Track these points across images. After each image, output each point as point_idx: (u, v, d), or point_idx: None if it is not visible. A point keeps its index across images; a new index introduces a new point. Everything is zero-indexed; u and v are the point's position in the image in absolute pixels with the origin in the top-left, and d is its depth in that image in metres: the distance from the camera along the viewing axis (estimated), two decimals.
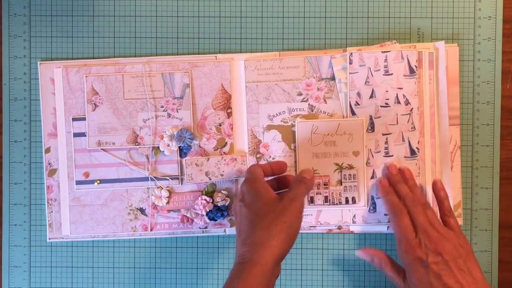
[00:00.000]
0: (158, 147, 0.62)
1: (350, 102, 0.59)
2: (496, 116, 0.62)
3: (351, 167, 0.60)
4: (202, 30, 0.63)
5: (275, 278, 0.50)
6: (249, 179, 0.54)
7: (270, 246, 0.48)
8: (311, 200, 0.60)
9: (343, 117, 0.61)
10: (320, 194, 0.60)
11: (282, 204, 0.51)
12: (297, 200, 0.52)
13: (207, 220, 0.62)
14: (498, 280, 0.62)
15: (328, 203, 0.60)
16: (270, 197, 0.52)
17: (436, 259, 0.52)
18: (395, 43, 0.60)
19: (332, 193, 0.60)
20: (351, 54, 0.59)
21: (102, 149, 0.62)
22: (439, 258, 0.52)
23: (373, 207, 0.61)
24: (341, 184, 0.60)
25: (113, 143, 0.62)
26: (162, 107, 0.62)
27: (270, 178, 0.58)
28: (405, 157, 0.59)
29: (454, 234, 0.54)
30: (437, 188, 0.59)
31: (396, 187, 0.58)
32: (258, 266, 0.47)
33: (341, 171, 0.60)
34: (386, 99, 0.59)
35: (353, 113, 0.59)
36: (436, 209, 0.58)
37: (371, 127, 0.60)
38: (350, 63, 0.59)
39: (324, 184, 0.59)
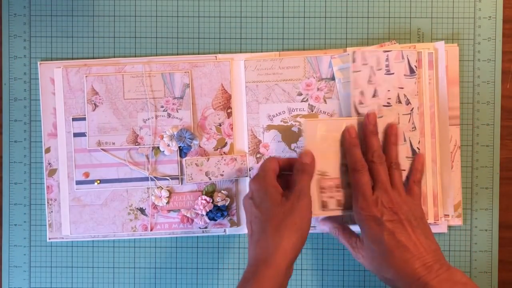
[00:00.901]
0: (158, 147, 0.62)
1: (354, 101, 0.58)
2: (496, 116, 0.62)
3: None
4: (202, 30, 0.63)
5: (288, 279, 0.50)
6: (259, 176, 0.53)
7: (282, 249, 0.49)
8: (324, 205, 0.57)
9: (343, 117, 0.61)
10: (333, 198, 0.57)
11: (290, 203, 0.51)
12: (304, 196, 0.51)
13: (207, 220, 0.62)
14: (498, 280, 0.62)
15: (342, 208, 0.57)
16: (278, 196, 0.52)
17: (391, 217, 0.51)
18: (394, 43, 0.60)
19: (345, 195, 0.57)
20: (354, 52, 0.59)
21: (102, 149, 0.62)
22: (394, 217, 0.52)
23: None
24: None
25: (113, 143, 0.62)
26: (162, 107, 0.62)
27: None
28: (406, 157, 0.59)
29: (413, 200, 0.54)
30: (390, 131, 0.57)
31: (367, 139, 0.56)
32: (271, 268, 0.48)
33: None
34: (388, 99, 0.59)
35: (357, 112, 0.58)
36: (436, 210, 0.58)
37: None
38: (354, 62, 0.59)
39: (336, 187, 0.57)
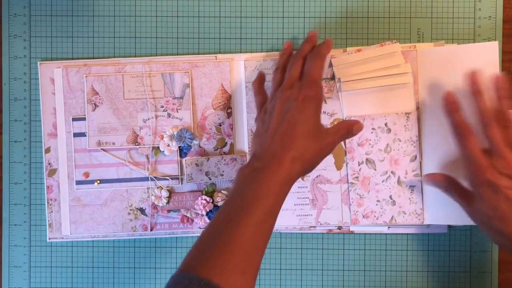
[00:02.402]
0: (158, 147, 0.62)
1: None
2: None
3: None
4: (202, 30, 0.63)
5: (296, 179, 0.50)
6: (319, 96, 0.53)
7: (298, 149, 0.49)
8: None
9: (343, 118, 0.61)
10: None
11: (324, 134, 0.52)
12: (333, 139, 0.53)
13: (207, 220, 0.62)
14: (498, 280, 0.62)
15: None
16: (319, 121, 0.53)
17: (509, 183, 0.49)
18: (395, 42, 0.60)
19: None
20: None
21: (102, 149, 0.62)
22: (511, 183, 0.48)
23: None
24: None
25: (113, 143, 0.62)
26: (162, 107, 0.62)
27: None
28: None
29: None
30: (498, 85, 0.52)
31: (475, 99, 0.52)
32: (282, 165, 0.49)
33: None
34: None
35: None
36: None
37: None
38: None
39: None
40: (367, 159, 0.60)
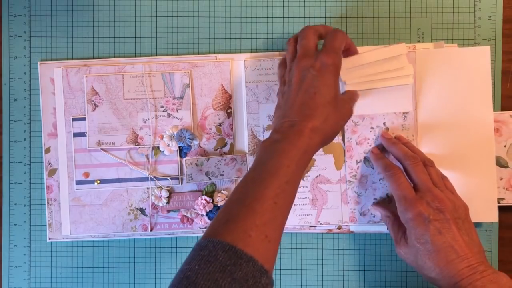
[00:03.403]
0: (158, 147, 0.62)
1: None
2: None
3: None
4: (202, 30, 0.63)
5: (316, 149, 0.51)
6: (337, 64, 0.52)
7: (313, 130, 0.49)
8: None
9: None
10: None
11: (342, 100, 0.53)
12: (349, 109, 0.54)
13: (207, 220, 0.62)
14: None
15: None
16: (338, 91, 0.52)
17: (438, 216, 0.51)
18: (401, 43, 0.60)
19: None
20: None
21: (102, 149, 0.62)
22: (441, 216, 0.51)
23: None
24: None
25: (113, 143, 0.62)
26: (162, 107, 0.62)
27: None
28: None
29: (454, 196, 0.54)
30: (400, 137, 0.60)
31: (392, 149, 0.58)
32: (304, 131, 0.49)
33: None
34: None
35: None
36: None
37: None
38: None
39: None
40: (365, 158, 0.61)
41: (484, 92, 0.59)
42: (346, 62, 0.58)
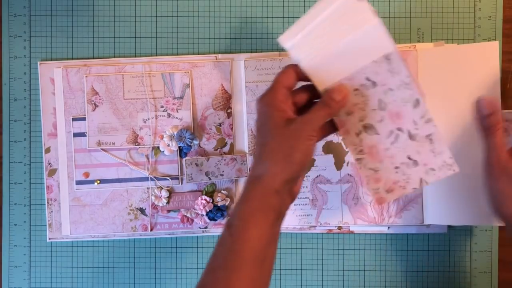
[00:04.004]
0: (158, 147, 0.62)
1: None
2: None
3: None
4: (202, 30, 0.63)
5: (283, 203, 0.47)
6: (266, 94, 0.48)
7: (271, 172, 0.45)
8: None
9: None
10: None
11: (292, 127, 0.46)
12: (310, 124, 0.46)
13: (207, 220, 0.62)
14: (498, 280, 0.62)
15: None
16: (281, 120, 0.46)
17: None
18: (414, 47, 0.60)
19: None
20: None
21: (102, 149, 0.62)
22: None
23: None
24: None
25: (113, 143, 0.62)
26: (162, 107, 0.62)
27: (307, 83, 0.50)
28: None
29: None
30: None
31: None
32: (258, 187, 0.45)
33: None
34: None
35: None
36: None
37: None
38: None
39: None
40: (364, 126, 0.50)
41: (493, 90, 0.57)
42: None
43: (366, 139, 0.50)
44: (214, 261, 0.45)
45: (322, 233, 0.63)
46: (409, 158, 0.50)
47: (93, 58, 0.63)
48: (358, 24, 0.47)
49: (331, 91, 0.47)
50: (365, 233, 0.63)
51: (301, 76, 0.48)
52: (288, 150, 0.45)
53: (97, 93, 0.61)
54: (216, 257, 0.45)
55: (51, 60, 0.63)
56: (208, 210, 0.61)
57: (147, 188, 0.62)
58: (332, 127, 0.50)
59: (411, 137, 0.50)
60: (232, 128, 0.62)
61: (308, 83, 0.49)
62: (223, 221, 0.62)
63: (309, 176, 0.61)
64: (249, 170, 0.50)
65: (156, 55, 0.63)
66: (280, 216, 0.47)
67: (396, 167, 0.51)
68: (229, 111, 0.62)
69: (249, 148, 0.62)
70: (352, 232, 0.62)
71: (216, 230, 0.62)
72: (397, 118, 0.49)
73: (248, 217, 0.45)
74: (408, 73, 0.48)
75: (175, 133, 0.61)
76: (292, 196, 0.48)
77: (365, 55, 0.47)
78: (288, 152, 0.45)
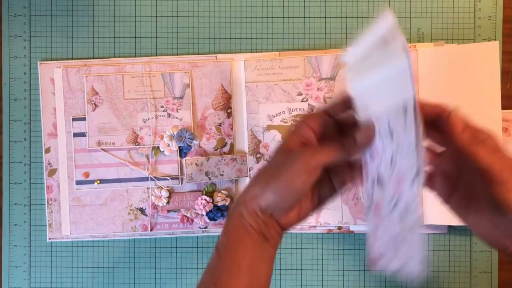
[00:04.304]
0: (158, 147, 0.62)
1: None
2: None
3: None
4: (202, 30, 0.63)
5: (272, 231, 0.43)
6: (281, 150, 0.43)
7: (250, 195, 0.42)
8: None
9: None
10: None
11: (294, 152, 0.41)
12: (314, 156, 0.40)
13: (207, 220, 0.62)
14: (498, 280, 0.62)
15: None
16: (295, 144, 0.42)
17: None
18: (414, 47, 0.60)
19: None
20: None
21: (102, 149, 0.62)
22: None
23: None
24: None
25: (113, 143, 0.62)
26: (162, 107, 0.62)
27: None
28: None
29: None
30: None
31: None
32: (239, 208, 0.42)
33: None
34: None
35: None
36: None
37: None
38: None
39: None
40: (378, 177, 0.42)
41: (492, 90, 0.57)
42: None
43: (376, 192, 0.43)
44: (205, 277, 0.44)
45: (322, 233, 0.63)
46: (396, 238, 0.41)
47: (93, 58, 0.63)
48: (388, 59, 0.39)
49: (361, 130, 0.41)
50: (365, 233, 0.63)
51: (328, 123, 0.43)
52: (273, 177, 0.41)
53: (97, 93, 0.61)
54: (206, 274, 0.44)
55: (51, 60, 0.63)
56: (208, 210, 0.61)
57: (147, 188, 0.62)
58: (330, 189, 0.44)
59: (401, 218, 0.41)
60: (232, 128, 0.62)
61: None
62: (223, 221, 0.62)
63: None
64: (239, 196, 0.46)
65: (156, 55, 0.63)
66: (266, 238, 0.43)
67: (387, 239, 0.42)
68: (229, 111, 0.62)
69: (249, 148, 0.62)
70: (352, 232, 0.62)
71: (216, 230, 0.62)
72: (398, 185, 0.41)
73: (232, 233, 0.43)
74: (415, 135, 0.38)
75: (175, 133, 0.61)
76: (282, 226, 0.43)
77: (390, 95, 0.40)
78: (275, 181, 0.41)
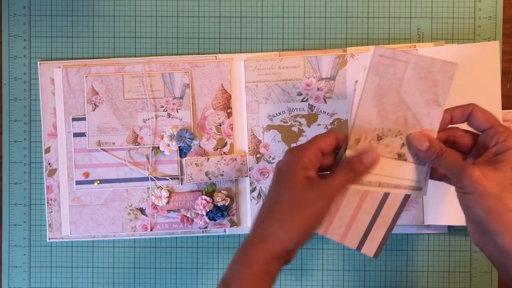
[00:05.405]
0: (158, 147, 0.62)
1: None
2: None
3: None
4: (202, 30, 0.63)
5: (281, 265, 0.45)
6: (296, 149, 0.46)
7: (278, 238, 0.43)
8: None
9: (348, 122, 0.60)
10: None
11: (311, 194, 0.43)
12: (329, 194, 0.44)
13: (207, 220, 0.62)
14: (498, 280, 0.62)
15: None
16: (302, 179, 0.44)
17: None
18: (414, 47, 0.60)
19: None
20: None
21: (102, 149, 0.62)
22: None
23: None
24: None
25: (113, 143, 0.62)
26: (162, 107, 0.62)
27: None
28: None
29: None
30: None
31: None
32: (261, 251, 0.43)
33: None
34: None
35: None
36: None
37: None
38: None
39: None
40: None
41: (493, 90, 0.57)
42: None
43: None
44: None
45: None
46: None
47: (93, 58, 0.63)
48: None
49: (362, 153, 0.45)
50: None
51: (341, 145, 0.47)
52: (301, 219, 0.43)
53: (97, 93, 0.61)
54: None
55: (51, 60, 0.63)
56: (208, 210, 0.61)
57: (147, 188, 0.62)
58: None
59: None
60: (232, 128, 0.62)
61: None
62: (223, 221, 0.62)
63: None
64: (257, 221, 0.46)
65: (156, 55, 0.63)
66: (274, 282, 0.45)
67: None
68: (229, 111, 0.62)
69: (249, 148, 0.62)
70: None
71: (216, 230, 0.62)
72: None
73: (255, 279, 0.43)
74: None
75: (175, 133, 0.61)
76: (287, 262, 0.46)
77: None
78: (301, 222, 0.43)
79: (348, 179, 0.45)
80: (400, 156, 0.47)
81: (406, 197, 0.48)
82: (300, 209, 0.44)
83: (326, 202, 0.44)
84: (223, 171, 0.62)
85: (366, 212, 0.48)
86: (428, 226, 0.62)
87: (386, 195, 0.48)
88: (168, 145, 0.61)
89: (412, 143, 0.46)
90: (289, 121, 0.61)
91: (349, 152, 0.46)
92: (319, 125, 0.61)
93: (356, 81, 0.48)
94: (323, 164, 0.47)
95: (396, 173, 0.47)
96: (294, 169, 0.45)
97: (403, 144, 0.47)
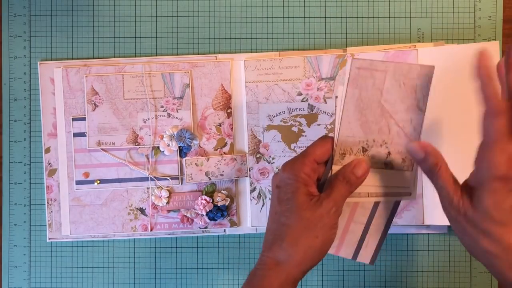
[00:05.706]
0: (158, 147, 0.62)
1: None
2: None
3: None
4: (202, 30, 0.63)
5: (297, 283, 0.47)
6: (292, 166, 0.46)
7: (296, 261, 0.45)
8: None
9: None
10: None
11: (318, 213, 0.44)
12: (335, 210, 0.45)
13: (207, 220, 0.62)
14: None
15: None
16: (306, 198, 0.45)
17: None
18: (414, 47, 0.60)
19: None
20: None
21: (102, 149, 0.62)
22: None
23: None
24: None
25: (113, 143, 0.62)
26: (162, 107, 0.62)
27: None
28: None
29: None
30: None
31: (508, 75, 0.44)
32: (279, 276, 0.45)
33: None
34: None
35: None
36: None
37: None
38: None
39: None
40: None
41: None
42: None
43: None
44: None
45: None
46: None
47: (93, 58, 0.63)
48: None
49: (353, 165, 0.46)
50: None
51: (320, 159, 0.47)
52: (314, 239, 0.44)
53: (97, 93, 0.62)
54: None
55: (51, 60, 0.63)
56: (208, 210, 0.61)
57: (147, 188, 0.62)
58: None
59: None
60: (232, 128, 0.62)
61: None
62: (223, 221, 0.62)
63: None
64: (267, 245, 0.46)
65: (156, 55, 0.63)
66: None
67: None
68: (229, 111, 0.62)
69: (249, 148, 0.62)
70: None
71: (216, 230, 0.62)
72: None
73: None
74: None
75: (175, 133, 0.61)
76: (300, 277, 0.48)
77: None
78: (314, 243, 0.44)
79: (348, 189, 0.46)
80: (387, 165, 0.47)
81: (397, 204, 0.49)
82: (311, 229, 0.44)
83: (334, 216, 0.45)
84: (223, 171, 0.62)
85: (358, 222, 0.49)
86: (428, 226, 0.62)
87: (376, 203, 0.48)
88: (168, 145, 0.61)
89: (410, 154, 0.46)
90: (289, 121, 0.61)
91: (335, 168, 0.47)
92: (319, 125, 0.61)
93: (336, 97, 0.48)
94: (319, 175, 0.48)
95: (384, 181, 0.48)
96: (296, 188, 0.45)
97: (389, 153, 0.47)
